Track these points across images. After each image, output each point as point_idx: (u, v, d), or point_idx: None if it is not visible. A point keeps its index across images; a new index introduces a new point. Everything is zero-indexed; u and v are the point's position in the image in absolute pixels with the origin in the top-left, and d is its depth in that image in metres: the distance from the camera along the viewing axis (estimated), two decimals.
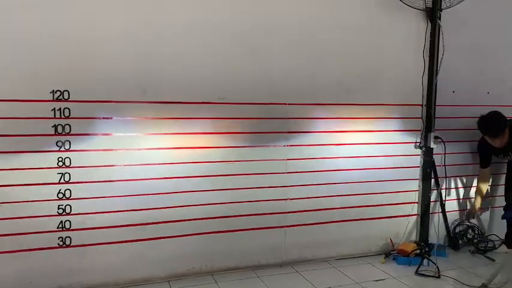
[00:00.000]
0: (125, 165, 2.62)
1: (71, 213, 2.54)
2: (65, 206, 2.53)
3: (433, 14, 3.20)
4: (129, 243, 2.68)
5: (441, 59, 3.21)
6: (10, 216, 2.43)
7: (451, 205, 3.56)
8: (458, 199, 3.58)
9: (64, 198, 2.52)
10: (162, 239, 2.75)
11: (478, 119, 3.23)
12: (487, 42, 3.49)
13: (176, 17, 2.65)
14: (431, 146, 3.30)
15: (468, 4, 3.16)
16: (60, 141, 2.48)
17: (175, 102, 2.68)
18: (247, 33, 2.82)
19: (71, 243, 2.55)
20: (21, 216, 2.45)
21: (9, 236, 2.44)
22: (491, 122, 3.19)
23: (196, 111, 2.73)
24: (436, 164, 3.38)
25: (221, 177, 2.85)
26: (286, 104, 2.94)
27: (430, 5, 3.17)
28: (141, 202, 2.69)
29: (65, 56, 2.44)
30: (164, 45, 2.63)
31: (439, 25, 3.20)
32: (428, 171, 3.35)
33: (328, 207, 3.15)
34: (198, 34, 2.69)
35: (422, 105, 3.28)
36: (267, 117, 2.90)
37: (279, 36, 2.89)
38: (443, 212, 3.47)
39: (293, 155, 3.01)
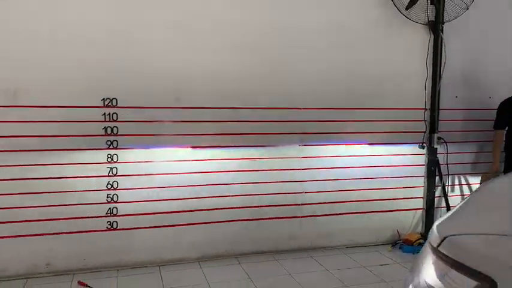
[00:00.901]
0: (163, 161, 3.08)
1: (118, 201, 3.01)
2: (113, 195, 3.00)
3: (435, 27, 3.54)
4: (167, 228, 3.13)
5: (443, 66, 3.57)
6: (67, 203, 2.92)
7: (454, 200, 3.87)
8: (461, 195, 3.89)
9: (112, 188, 2.99)
10: (195, 225, 3.19)
11: None
12: (487, 48, 3.79)
13: (210, 40, 3.10)
14: (435, 146, 3.64)
15: (468, 14, 3.51)
16: (109, 140, 2.95)
17: (204, 107, 3.13)
18: (269, 49, 3.24)
19: (117, 226, 3.02)
20: (76, 203, 2.94)
21: (66, 220, 2.93)
22: None
23: (223, 116, 3.16)
24: (440, 162, 3.72)
25: (245, 172, 3.27)
26: (301, 108, 3.35)
27: (432, 18, 3.52)
28: (177, 193, 3.13)
29: (113, 71, 2.91)
30: (196, 60, 3.08)
31: (441, 37, 3.55)
32: (433, 169, 3.69)
33: (339, 201, 3.52)
34: (226, 54, 3.13)
35: (425, 109, 3.62)
36: (285, 120, 3.30)
37: (297, 53, 3.30)
38: (447, 206, 3.79)
39: (307, 154, 3.40)
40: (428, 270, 0.84)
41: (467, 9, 3.40)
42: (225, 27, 3.11)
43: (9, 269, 2.86)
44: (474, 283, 0.78)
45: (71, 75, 2.84)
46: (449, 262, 0.83)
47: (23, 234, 2.85)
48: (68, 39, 2.82)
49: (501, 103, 3.61)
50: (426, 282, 0.81)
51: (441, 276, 0.81)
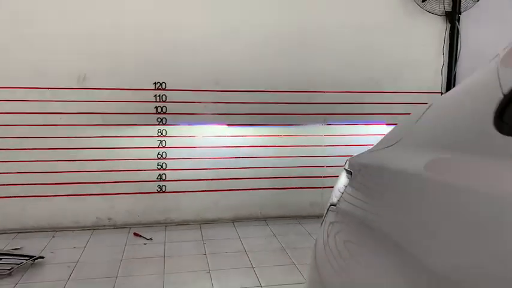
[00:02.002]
0: (204, 136, 3.62)
1: (167, 168, 3.59)
2: (162, 163, 3.58)
3: (452, 17, 3.85)
4: (207, 192, 3.69)
5: (459, 54, 3.87)
6: (125, 169, 3.53)
7: None
8: None
9: (162, 158, 3.57)
10: (231, 191, 3.73)
11: None
12: (504, 36, 4.04)
13: (248, 25, 3.58)
14: None
15: (487, 3, 3.79)
16: (159, 118, 3.53)
17: (239, 90, 3.63)
18: (296, 39, 3.68)
19: (166, 190, 3.62)
20: (133, 169, 3.55)
21: (124, 183, 3.55)
22: None
23: (255, 98, 3.65)
24: None
25: (274, 148, 3.76)
26: (324, 91, 3.78)
27: (449, 9, 3.82)
28: (215, 163, 3.68)
29: (163, 61, 3.47)
30: (232, 51, 3.57)
31: (456, 26, 3.85)
32: None
33: None
34: (256, 47, 3.60)
35: (441, 93, 3.95)
36: (310, 102, 3.75)
37: (321, 41, 3.72)
38: None
39: (330, 133, 3.84)
40: (339, 184, 1.28)
41: (478, 1, 3.69)
42: (256, 25, 3.59)
43: (79, 221, 3.53)
44: (345, 175, 1.25)
45: (129, 64, 3.43)
46: (345, 171, 1.28)
47: (90, 193, 3.50)
48: (125, 37, 3.40)
49: None
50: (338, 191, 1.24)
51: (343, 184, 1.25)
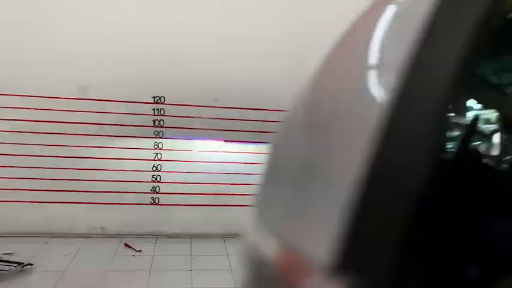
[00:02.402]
0: (199, 151, 3.66)
1: (161, 181, 3.63)
2: (157, 176, 3.63)
3: None
4: (200, 207, 3.72)
5: None
6: (121, 179, 3.58)
7: None
8: None
9: (157, 170, 3.62)
10: (224, 207, 3.75)
11: None
12: None
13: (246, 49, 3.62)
14: None
15: None
16: (156, 131, 3.57)
17: (238, 107, 3.66)
18: (290, 59, 3.70)
19: (159, 202, 3.66)
20: (128, 180, 3.60)
21: (119, 193, 3.60)
22: None
23: (253, 115, 3.68)
24: None
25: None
26: None
27: None
28: (211, 178, 3.71)
29: (163, 75, 3.52)
30: (231, 65, 3.61)
31: None
32: None
33: None
34: (255, 63, 3.64)
35: None
36: None
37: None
38: None
39: None
40: None
41: None
42: (253, 40, 3.61)
43: (73, 228, 3.59)
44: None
45: (129, 78, 3.48)
46: None
47: (84, 201, 3.56)
48: (127, 50, 3.46)
49: None
50: None
51: None
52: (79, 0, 3.40)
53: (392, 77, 0.56)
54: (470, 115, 0.73)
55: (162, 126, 3.58)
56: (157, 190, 3.65)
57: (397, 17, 0.64)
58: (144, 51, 3.47)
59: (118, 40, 3.44)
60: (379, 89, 0.58)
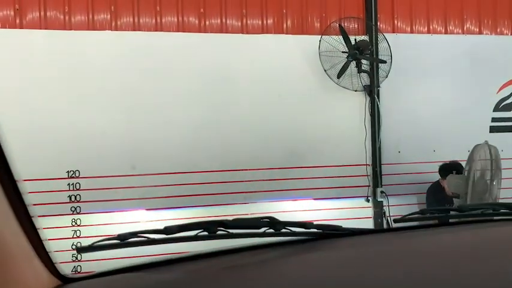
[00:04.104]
0: (121, 223, 3.50)
1: (82, 260, 3.42)
2: (77, 255, 3.42)
3: (370, 91, 3.92)
4: None
5: (380, 126, 3.91)
6: None
7: None
8: None
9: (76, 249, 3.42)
10: None
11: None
12: (425, 106, 4.10)
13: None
14: (379, 200, 3.92)
15: (406, 75, 3.91)
16: (73, 206, 3.42)
17: (157, 173, 3.57)
18: (213, 116, 3.70)
19: None
20: None
21: None
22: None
23: (173, 180, 3.58)
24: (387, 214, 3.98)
25: None
26: (245, 169, 3.73)
27: (365, 83, 3.90)
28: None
29: (76, 150, 3.43)
30: (148, 136, 3.56)
31: (376, 100, 3.92)
32: (380, 221, 3.95)
33: None
34: (171, 130, 3.61)
35: (366, 165, 3.94)
36: (229, 180, 3.69)
37: (241, 118, 3.75)
38: None
39: (254, 211, 3.75)
40: None
41: (387, 77, 3.80)
42: (169, 106, 3.61)
43: None
44: None
45: (42, 156, 3.36)
46: None
47: None
48: (38, 128, 3.37)
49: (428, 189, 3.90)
50: None
51: None
52: None
53: None
54: None
55: (79, 201, 3.43)
56: (79, 270, 3.43)
57: None
58: (54, 133, 3.39)
59: (26, 122, 3.36)
60: None
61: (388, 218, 3.90)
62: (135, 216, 3.52)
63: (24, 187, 0.66)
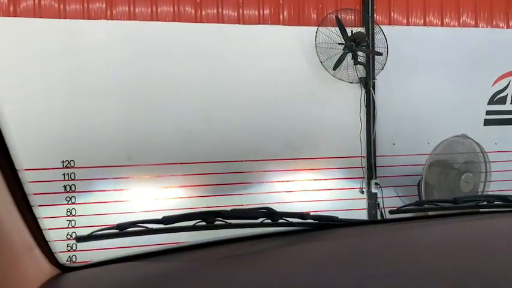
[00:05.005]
0: (116, 213, 3.50)
1: (77, 249, 3.42)
2: (72, 245, 3.42)
3: (366, 83, 3.93)
4: None
5: (375, 118, 3.92)
6: None
7: None
8: None
9: (72, 239, 3.42)
10: None
11: None
12: (420, 98, 4.12)
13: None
14: (373, 191, 3.94)
15: (399, 67, 3.92)
16: (68, 196, 3.41)
17: (156, 164, 3.57)
18: (211, 106, 3.69)
19: None
20: None
21: None
22: None
23: (170, 171, 3.59)
24: (381, 206, 4.01)
25: None
26: (243, 161, 3.75)
27: (361, 75, 3.90)
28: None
29: (71, 139, 3.41)
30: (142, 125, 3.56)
31: (371, 92, 3.93)
32: (374, 212, 3.98)
33: None
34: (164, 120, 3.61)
35: (361, 157, 3.95)
36: (227, 172, 3.70)
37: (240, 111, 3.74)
38: None
39: (250, 202, 3.76)
40: None
41: (382, 69, 3.80)
42: (165, 96, 3.60)
43: None
44: None
45: (37, 145, 3.34)
46: None
47: None
48: (32, 118, 3.35)
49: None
50: None
51: None
52: None
53: None
54: None
55: (73, 191, 3.42)
56: (74, 260, 3.43)
57: None
58: (49, 120, 3.38)
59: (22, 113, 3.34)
60: None
61: (382, 210, 3.93)
62: (131, 207, 3.52)
63: (25, 177, 0.66)
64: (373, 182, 3.94)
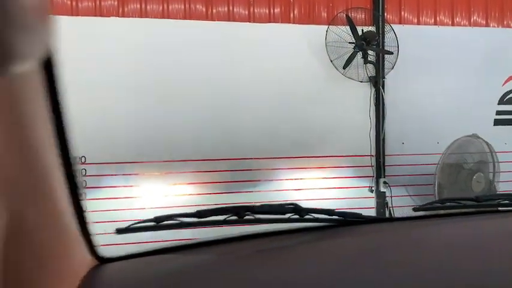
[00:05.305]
0: (128, 209, 3.52)
1: None
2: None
3: (376, 82, 3.93)
4: None
5: (385, 117, 3.93)
6: None
7: None
8: None
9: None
10: None
11: None
12: (430, 97, 4.12)
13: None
14: (382, 190, 3.95)
15: (409, 67, 3.92)
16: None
17: (165, 161, 3.58)
18: (222, 111, 3.70)
19: None
20: None
21: None
22: None
23: (178, 167, 3.60)
24: (390, 205, 4.01)
25: None
26: (253, 158, 3.75)
27: (371, 74, 3.90)
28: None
29: (82, 136, 3.38)
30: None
31: (381, 91, 3.93)
32: (382, 211, 3.98)
33: None
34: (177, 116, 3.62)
35: (370, 156, 3.96)
36: (237, 169, 3.71)
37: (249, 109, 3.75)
38: None
39: (260, 199, 3.77)
40: None
41: (393, 68, 3.80)
42: (175, 94, 3.61)
43: None
44: None
45: None
46: None
47: None
48: None
49: None
50: None
51: None
52: None
53: None
54: None
55: (84, 187, 3.44)
56: None
57: None
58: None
59: None
60: None
61: (391, 209, 3.94)
62: (142, 203, 3.54)
63: (79, 167, 0.67)
64: (381, 181, 3.94)
